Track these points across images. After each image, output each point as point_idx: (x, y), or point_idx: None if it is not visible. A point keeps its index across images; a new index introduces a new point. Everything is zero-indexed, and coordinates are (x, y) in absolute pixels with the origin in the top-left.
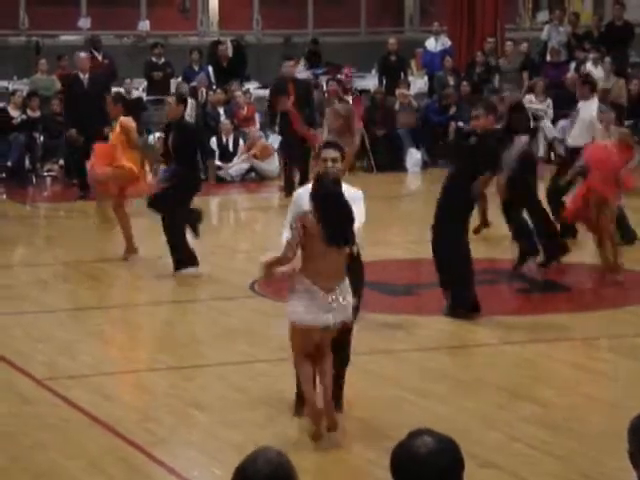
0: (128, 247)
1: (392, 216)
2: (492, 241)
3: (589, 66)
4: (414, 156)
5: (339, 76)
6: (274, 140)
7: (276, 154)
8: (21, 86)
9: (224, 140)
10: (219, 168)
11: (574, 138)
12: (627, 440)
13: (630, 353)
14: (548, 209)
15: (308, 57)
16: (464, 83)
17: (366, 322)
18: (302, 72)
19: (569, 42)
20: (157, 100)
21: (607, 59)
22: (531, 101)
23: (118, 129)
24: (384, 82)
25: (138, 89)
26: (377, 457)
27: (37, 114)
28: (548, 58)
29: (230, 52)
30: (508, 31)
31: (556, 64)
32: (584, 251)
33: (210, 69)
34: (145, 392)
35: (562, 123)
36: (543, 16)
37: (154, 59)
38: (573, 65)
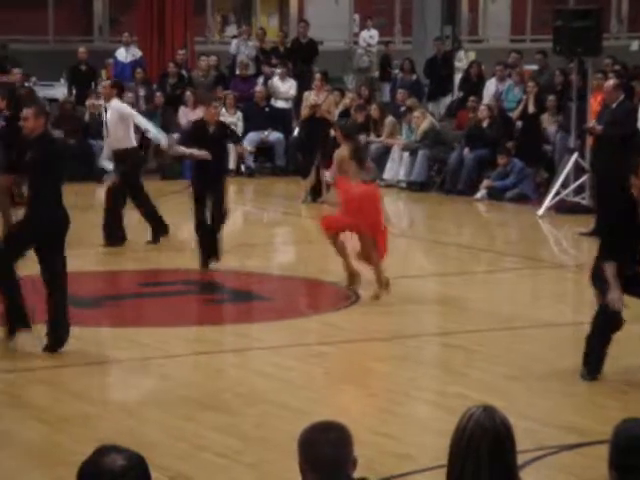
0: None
1: (80, 226)
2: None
3: (276, 80)
4: (109, 166)
5: None
6: None
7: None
8: None
9: None
10: None
11: None
12: (298, 452)
13: (314, 360)
14: None
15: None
16: (158, 94)
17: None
18: None
19: (257, 56)
20: None
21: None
22: (222, 114)
23: None
24: (74, 92)
25: None
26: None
27: None
28: (237, 72)
29: None
30: (198, 44)
31: (245, 78)
32: (270, 260)
33: None
34: None
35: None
36: (232, 30)
37: None
38: (261, 79)
